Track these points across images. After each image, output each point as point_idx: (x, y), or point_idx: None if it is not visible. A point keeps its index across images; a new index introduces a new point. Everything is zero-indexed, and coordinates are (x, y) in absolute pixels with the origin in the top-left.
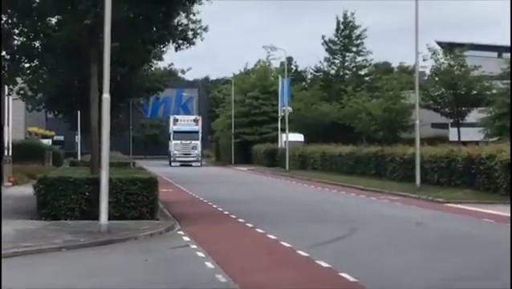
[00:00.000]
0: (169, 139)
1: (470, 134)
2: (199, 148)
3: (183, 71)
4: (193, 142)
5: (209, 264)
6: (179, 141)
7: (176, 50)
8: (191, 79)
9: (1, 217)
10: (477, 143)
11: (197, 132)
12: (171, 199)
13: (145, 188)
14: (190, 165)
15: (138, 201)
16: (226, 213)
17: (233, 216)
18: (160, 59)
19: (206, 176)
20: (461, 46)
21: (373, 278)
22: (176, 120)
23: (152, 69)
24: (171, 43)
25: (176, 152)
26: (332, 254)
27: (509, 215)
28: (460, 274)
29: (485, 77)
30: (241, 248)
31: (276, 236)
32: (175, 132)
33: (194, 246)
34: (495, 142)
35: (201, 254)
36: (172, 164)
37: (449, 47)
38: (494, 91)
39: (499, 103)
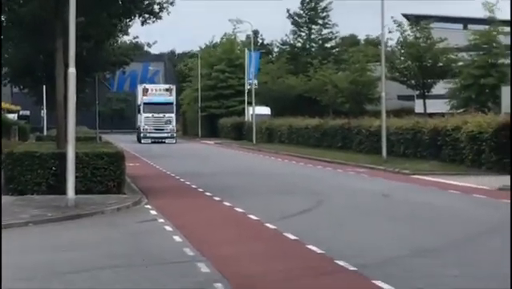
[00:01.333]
0: (138, 112)
1: (436, 106)
2: (174, 123)
3: (149, 45)
4: (167, 115)
5: (176, 238)
6: (150, 114)
7: (142, 25)
8: (157, 52)
9: (0, 216)
10: (442, 115)
11: (171, 104)
12: (138, 173)
13: (112, 162)
14: (163, 142)
15: (105, 176)
16: (194, 186)
17: (201, 189)
18: (126, 33)
19: (173, 150)
20: (427, 18)
21: (340, 249)
22: (145, 90)
23: (118, 43)
24: (137, 17)
25: (146, 127)
26: (299, 226)
27: (476, 186)
28: (425, 246)
29: (450, 49)
30: (209, 221)
31: (243, 209)
32: (145, 103)
33: (162, 220)
34: (461, 114)
35: (168, 227)
36: (143, 140)
37: (415, 19)
38: (460, 63)
39: (465, 74)
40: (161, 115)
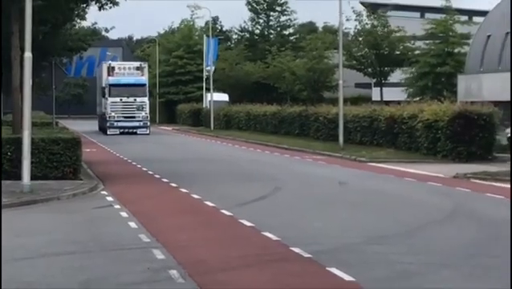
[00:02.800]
0: (103, 95)
1: (393, 94)
2: (147, 109)
3: (107, 30)
4: (139, 100)
5: (132, 224)
6: (118, 99)
7: (99, 10)
8: (115, 38)
9: (0, 216)
10: (399, 103)
11: (144, 86)
12: (95, 159)
13: (68, 148)
14: (135, 133)
15: (61, 161)
16: (150, 173)
17: (157, 176)
18: (83, 18)
19: (130, 135)
20: (384, 6)
21: (295, 236)
22: (111, 69)
23: (76, 28)
24: (94, 2)
25: (113, 114)
26: (255, 213)
27: (431, 174)
28: (380, 233)
29: (407, 37)
30: (165, 208)
31: (200, 196)
32: (111, 85)
33: (118, 206)
34: (417, 102)
35: (124, 214)
36: (109, 131)
37: (372, 8)
38: (417, 52)
39: (421, 63)
40: (132, 99)
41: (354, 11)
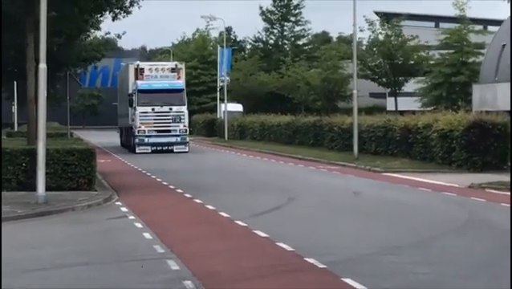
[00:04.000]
0: (130, 104)
1: (407, 104)
2: (185, 120)
3: (119, 36)
4: (175, 109)
5: (147, 235)
6: (149, 108)
7: (113, 20)
8: (129, 48)
9: (0, 215)
10: (413, 112)
11: (181, 91)
12: (109, 170)
13: (83, 158)
14: (170, 151)
15: (75, 172)
16: (165, 183)
17: (172, 186)
18: (98, 28)
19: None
20: (399, 16)
21: (310, 247)
22: (140, 71)
23: (89, 38)
24: (108, 13)
25: (143, 127)
26: (270, 223)
27: (446, 184)
28: (395, 244)
29: (421, 47)
30: (180, 218)
31: (214, 206)
32: (141, 91)
33: (132, 217)
34: (431, 112)
35: (138, 224)
36: (139, 149)
37: (386, 17)
38: (431, 62)
39: (436, 73)
40: (166, 108)
41: (367, 21)
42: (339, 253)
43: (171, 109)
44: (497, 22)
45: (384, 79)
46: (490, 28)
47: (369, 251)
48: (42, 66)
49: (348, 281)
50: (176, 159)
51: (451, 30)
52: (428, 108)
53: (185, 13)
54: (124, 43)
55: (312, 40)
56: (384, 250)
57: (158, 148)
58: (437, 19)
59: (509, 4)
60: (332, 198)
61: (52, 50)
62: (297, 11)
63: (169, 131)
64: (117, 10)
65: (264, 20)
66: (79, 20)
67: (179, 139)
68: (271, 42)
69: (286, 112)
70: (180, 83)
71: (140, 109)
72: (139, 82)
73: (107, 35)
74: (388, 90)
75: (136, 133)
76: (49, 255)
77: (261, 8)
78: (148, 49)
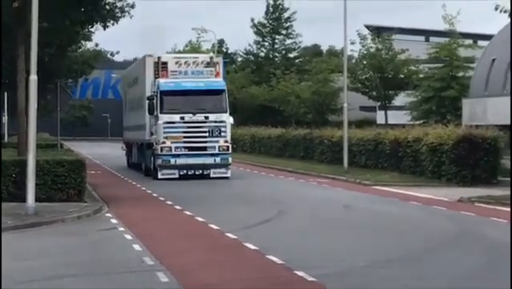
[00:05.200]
0: (149, 112)
1: (397, 117)
2: (227, 133)
3: (112, 54)
4: (213, 117)
5: (136, 246)
6: (176, 117)
7: (104, 29)
8: (121, 60)
9: (0, 216)
10: (403, 126)
11: (221, 93)
12: (99, 181)
13: (73, 170)
14: (206, 176)
15: (65, 184)
16: (155, 195)
17: (162, 198)
18: (89, 39)
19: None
20: (389, 29)
21: (300, 260)
22: (162, 65)
23: (80, 50)
24: (99, 24)
25: (168, 143)
26: (260, 236)
27: (436, 197)
28: (385, 257)
29: (412, 61)
30: (170, 231)
31: (204, 218)
32: (165, 92)
33: (122, 229)
34: (421, 125)
35: (128, 236)
36: (162, 173)
37: (376, 31)
38: (421, 75)
39: (425, 87)
40: (201, 117)
41: (359, 34)
42: (329, 266)
43: (207, 118)
44: (487, 37)
45: (374, 93)
46: (480, 43)
47: (359, 264)
48: (33, 77)
49: None
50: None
51: (441, 45)
52: (418, 122)
53: (178, 24)
54: (116, 55)
55: (303, 53)
56: (374, 263)
57: (189, 173)
58: (428, 33)
59: (508, 14)
60: (322, 211)
61: (43, 62)
62: (288, 24)
63: (205, 148)
64: (109, 22)
65: (255, 33)
66: (71, 31)
67: (218, 159)
68: (262, 54)
69: (277, 125)
70: (221, 81)
71: (163, 118)
72: (162, 80)
73: (99, 47)
74: (379, 103)
75: (159, 151)
76: (39, 267)
77: (252, 20)
78: None
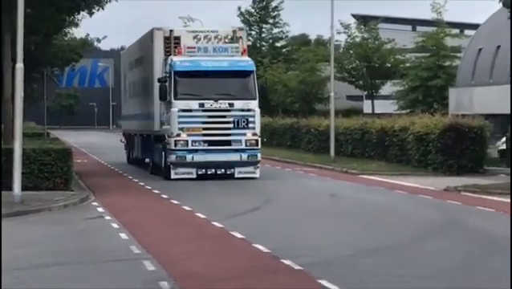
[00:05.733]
0: (162, 98)
1: (384, 106)
2: (256, 124)
3: (98, 40)
4: (239, 105)
5: (123, 235)
6: (194, 104)
7: (90, 16)
8: (107, 48)
9: (0, 216)
10: (390, 115)
11: (249, 74)
12: (86, 170)
13: (59, 158)
14: (230, 176)
15: (52, 172)
16: (141, 184)
17: (149, 187)
18: (76, 25)
19: (123, 145)
20: (375, 18)
21: (286, 249)
22: (176, 41)
23: (67, 38)
24: (85, 11)
25: (184, 136)
26: (247, 225)
27: (422, 186)
28: (371, 245)
29: (398, 50)
30: (156, 219)
31: (191, 207)
32: (180, 73)
33: (108, 217)
34: (408, 114)
35: (115, 225)
36: (176, 172)
37: (363, 20)
38: (408, 65)
39: (412, 76)
40: (224, 104)
41: (342, 24)
42: (315, 255)
43: (232, 106)
44: (474, 26)
45: (360, 82)
46: (467, 32)
47: (345, 253)
48: (19, 65)
49: (324, 283)
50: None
51: (428, 34)
52: (405, 111)
53: (165, 13)
54: (102, 44)
55: (290, 42)
56: (360, 252)
57: (209, 172)
58: (414, 22)
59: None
60: (309, 200)
61: (29, 50)
62: (275, 13)
63: (229, 142)
64: (95, 8)
65: (242, 21)
66: (57, 19)
67: (244, 156)
68: (249, 43)
69: (264, 114)
70: (248, 60)
71: (178, 105)
72: (176, 59)
73: (87, 36)
74: (365, 92)
75: (172, 146)
76: (25, 255)
77: (239, 9)
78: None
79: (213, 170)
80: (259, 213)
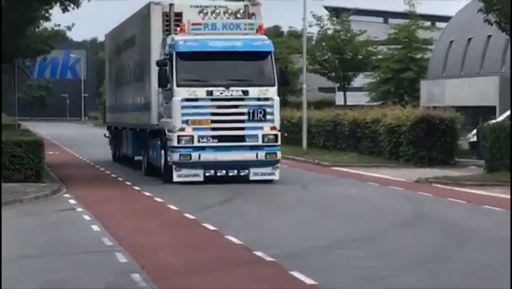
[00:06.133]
0: (162, 83)
1: (356, 98)
2: (275, 116)
3: (69, 28)
4: (255, 92)
5: (95, 227)
6: (201, 91)
7: (63, 12)
8: (79, 40)
9: (0, 216)
10: (362, 107)
11: (267, 56)
12: (58, 162)
13: (31, 150)
14: (244, 178)
15: (23, 164)
16: (113, 176)
17: (121, 178)
18: (48, 19)
19: (95, 137)
20: (348, 10)
21: (258, 240)
22: (176, 17)
23: (39, 29)
24: (58, 4)
25: (188, 130)
26: (219, 217)
27: (394, 178)
28: (342, 237)
29: (370, 42)
30: (128, 211)
31: (163, 199)
32: (184, 55)
33: (80, 209)
34: (380, 106)
35: (87, 217)
36: (178, 174)
37: (335, 12)
38: (380, 57)
39: (384, 68)
40: (237, 92)
41: (314, 16)
42: (286, 246)
43: (246, 93)
44: (446, 19)
45: (333, 74)
46: (439, 24)
47: (317, 245)
48: None
49: (295, 274)
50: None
51: (400, 26)
52: (377, 103)
53: (137, 3)
54: (74, 35)
55: None
56: (332, 243)
57: (218, 174)
58: (386, 15)
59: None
60: (281, 192)
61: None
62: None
63: (242, 138)
64: (67, 2)
65: None
66: (28, 10)
67: (261, 154)
68: None
69: None
70: (265, 39)
71: (182, 93)
72: (179, 38)
73: (57, 27)
74: (337, 84)
75: (175, 142)
76: None
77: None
78: (98, 41)
79: (224, 171)
80: (231, 205)
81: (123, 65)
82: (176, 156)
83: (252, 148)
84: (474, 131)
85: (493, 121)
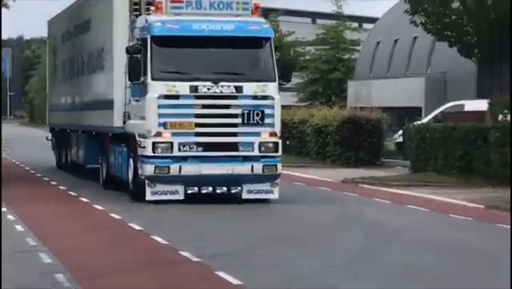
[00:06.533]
0: (134, 75)
1: (285, 99)
2: (276, 118)
3: None
4: (251, 89)
5: (19, 227)
6: (184, 86)
7: None
8: (5, 37)
9: (0, 216)
10: (290, 107)
11: (266, 43)
12: None
13: None
14: (235, 197)
15: None
16: (39, 175)
17: (46, 178)
18: None
19: (23, 137)
20: (276, 11)
21: (185, 240)
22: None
23: None
24: None
25: (166, 135)
26: (145, 216)
27: (321, 178)
28: (270, 237)
29: (298, 43)
30: (54, 211)
31: (89, 199)
32: (160, 40)
33: (4, 209)
34: (307, 107)
35: (11, 216)
36: (152, 192)
37: (263, 12)
38: (308, 57)
39: (312, 69)
40: (228, 89)
41: None
42: (213, 246)
43: (240, 90)
44: (373, 20)
45: None
46: (366, 25)
47: (245, 245)
48: None
49: (221, 274)
50: (52, 151)
51: (328, 27)
52: (304, 104)
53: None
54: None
55: None
56: (260, 244)
57: (203, 192)
58: (314, 15)
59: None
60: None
61: None
62: None
63: (235, 146)
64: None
65: None
66: None
67: (258, 166)
68: None
69: None
70: (263, 22)
71: (158, 88)
72: (153, 18)
73: None
74: None
75: (148, 151)
76: None
77: None
78: (24, 39)
79: (210, 188)
80: (157, 205)
81: (74, 55)
82: (149, 169)
83: (246, 158)
84: (400, 131)
85: (419, 122)
